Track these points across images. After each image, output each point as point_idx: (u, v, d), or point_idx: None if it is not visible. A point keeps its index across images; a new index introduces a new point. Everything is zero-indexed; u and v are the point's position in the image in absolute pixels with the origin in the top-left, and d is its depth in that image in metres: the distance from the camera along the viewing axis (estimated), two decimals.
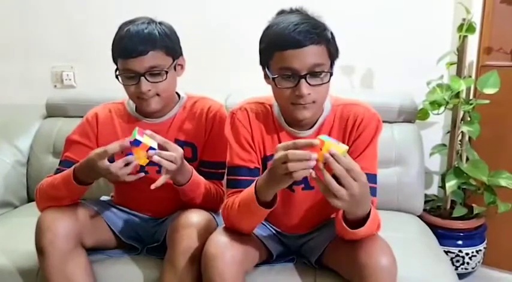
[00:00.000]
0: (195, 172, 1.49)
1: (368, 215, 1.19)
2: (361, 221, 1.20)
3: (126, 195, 1.65)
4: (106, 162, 1.33)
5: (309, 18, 1.30)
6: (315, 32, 1.26)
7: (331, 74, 1.31)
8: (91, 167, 1.35)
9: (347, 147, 1.10)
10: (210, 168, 1.58)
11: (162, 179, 1.37)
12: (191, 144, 1.58)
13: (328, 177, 1.07)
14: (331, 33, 1.33)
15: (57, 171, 1.53)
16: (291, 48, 1.26)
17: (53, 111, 2.31)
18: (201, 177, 1.52)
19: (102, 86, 2.07)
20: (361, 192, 1.09)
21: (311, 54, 1.26)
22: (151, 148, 1.33)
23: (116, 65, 1.51)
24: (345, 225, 1.22)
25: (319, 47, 1.28)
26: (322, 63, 1.28)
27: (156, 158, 1.32)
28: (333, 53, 1.32)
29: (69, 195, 1.46)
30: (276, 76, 1.30)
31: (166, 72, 1.49)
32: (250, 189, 1.26)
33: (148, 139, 1.34)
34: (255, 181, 1.26)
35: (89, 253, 1.50)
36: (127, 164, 1.33)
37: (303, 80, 1.27)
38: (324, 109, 1.42)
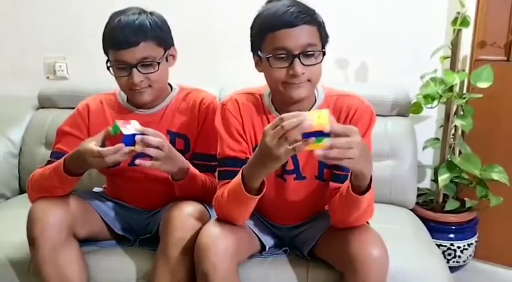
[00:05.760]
0: (192, 168, 1.48)
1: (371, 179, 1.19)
2: (365, 190, 1.20)
3: (118, 186, 1.64)
4: (98, 147, 1.32)
5: (299, 2, 1.31)
6: (307, 13, 1.28)
7: (324, 54, 1.32)
8: (81, 155, 1.33)
9: (327, 110, 1.09)
10: (203, 161, 1.57)
11: (149, 163, 1.34)
12: (183, 135, 1.58)
13: (334, 154, 1.04)
14: (321, 19, 1.34)
15: (49, 163, 1.51)
16: (284, 28, 1.27)
17: (46, 103, 2.30)
18: (198, 172, 1.51)
19: (95, 77, 2.06)
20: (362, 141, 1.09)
21: (304, 34, 1.28)
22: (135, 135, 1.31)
23: (107, 56, 1.50)
24: (352, 192, 1.20)
25: (311, 28, 1.29)
26: (314, 43, 1.29)
27: (139, 149, 1.30)
28: (323, 37, 1.33)
29: (60, 186, 1.44)
30: (270, 56, 1.30)
31: (158, 64, 1.48)
32: (237, 178, 1.26)
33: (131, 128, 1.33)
34: (241, 169, 1.26)
35: (81, 244, 1.49)
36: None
37: (296, 60, 1.27)
38: (317, 99, 1.42)
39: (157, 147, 1.33)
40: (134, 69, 1.45)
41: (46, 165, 1.51)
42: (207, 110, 1.59)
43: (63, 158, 1.41)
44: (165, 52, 1.51)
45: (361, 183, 1.19)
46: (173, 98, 1.61)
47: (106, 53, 1.50)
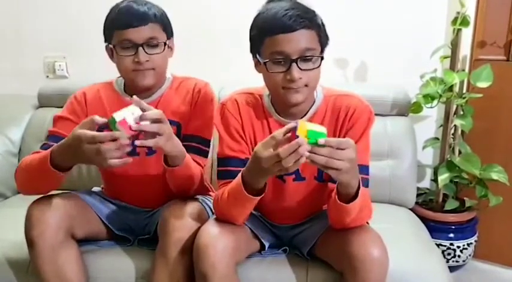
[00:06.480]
0: (187, 155, 1.44)
1: (358, 188, 1.20)
2: (353, 197, 1.21)
3: (115, 186, 1.64)
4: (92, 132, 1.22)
5: (299, 4, 1.30)
6: (306, 17, 1.27)
7: (322, 59, 1.31)
8: (74, 140, 1.23)
9: (325, 129, 1.12)
10: (193, 142, 1.54)
11: (151, 142, 1.26)
12: (176, 122, 1.56)
13: (321, 159, 1.08)
14: (321, 20, 1.33)
15: (44, 146, 1.48)
16: (282, 32, 1.26)
17: (45, 102, 2.30)
18: (191, 160, 1.47)
19: (95, 76, 2.05)
20: (356, 156, 1.12)
21: (302, 39, 1.27)
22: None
23: (109, 41, 1.51)
24: (339, 202, 1.22)
25: (310, 32, 1.28)
26: (313, 47, 1.29)
27: (135, 126, 1.21)
28: (323, 39, 1.33)
29: (44, 181, 1.39)
30: (268, 60, 1.30)
31: (164, 44, 1.50)
32: (237, 179, 1.26)
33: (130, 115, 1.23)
34: (241, 171, 1.26)
35: (80, 244, 1.49)
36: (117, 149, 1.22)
37: (294, 65, 1.27)
38: (315, 99, 1.42)
39: (158, 121, 1.26)
40: (140, 48, 1.46)
41: (41, 148, 1.48)
42: (198, 93, 1.59)
43: (50, 149, 1.33)
44: (167, 39, 1.53)
45: (347, 191, 1.20)
46: (167, 87, 1.61)
47: (108, 37, 1.51)
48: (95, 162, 1.25)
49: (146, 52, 1.47)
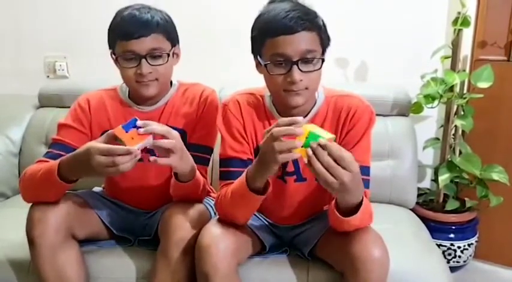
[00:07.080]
0: (198, 172, 1.46)
1: (360, 203, 1.20)
2: (354, 210, 1.20)
3: (117, 186, 1.63)
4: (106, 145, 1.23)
5: (300, 5, 1.30)
6: (307, 19, 1.27)
7: (323, 61, 1.31)
8: (84, 155, 1.25)
9: (334, 136, 1.11)
10: (197, 152, 1.53)
11: (164, 160, 1.29)
12: (181, 130, 1.56)
13: (318, 167, 1.08)
14: (323, 21, 1.33)
15: (48, 154, 1.49)
16: (283, 34, 1.26)
17: (46, 102, 2.29)
18: (201, 177, 1.49)
19: (96, 76, 2.06)
20: (352, 181, 1.10)
21: (303, 40, 1.27)
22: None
23: (113, 49, 1.49)
24: (337, 214, 1.22)
25: (311, 34, 1.28)
26: (314, 49, 1.29)
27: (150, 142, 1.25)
28: (324, 41, 1.32)
29: (49, 190, 1.39)
30: (268, 63, 1.30)
31: (168, 55, 1.49)
32: (241, 178, 1.26)
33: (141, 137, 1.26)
34: (245, 170, 1.26)
35: (81, 244, 1.49)
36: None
37: (295, 67, 1.27)
38: (317, 100, 1.42)
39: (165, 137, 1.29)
40: (143, 60, 1.45)
41: (44, 156, 1.49)
42: (205, 101, 1.58)
43: (59, 160, 1.34)
44: (171, 47, 1.52)
45: (345, 206, 1.20)
46: (173, 94, 1.61)
47: (112, 45, 1.50)
48: (106, 173, 1.25)
49: (149, 63, 1.46)
